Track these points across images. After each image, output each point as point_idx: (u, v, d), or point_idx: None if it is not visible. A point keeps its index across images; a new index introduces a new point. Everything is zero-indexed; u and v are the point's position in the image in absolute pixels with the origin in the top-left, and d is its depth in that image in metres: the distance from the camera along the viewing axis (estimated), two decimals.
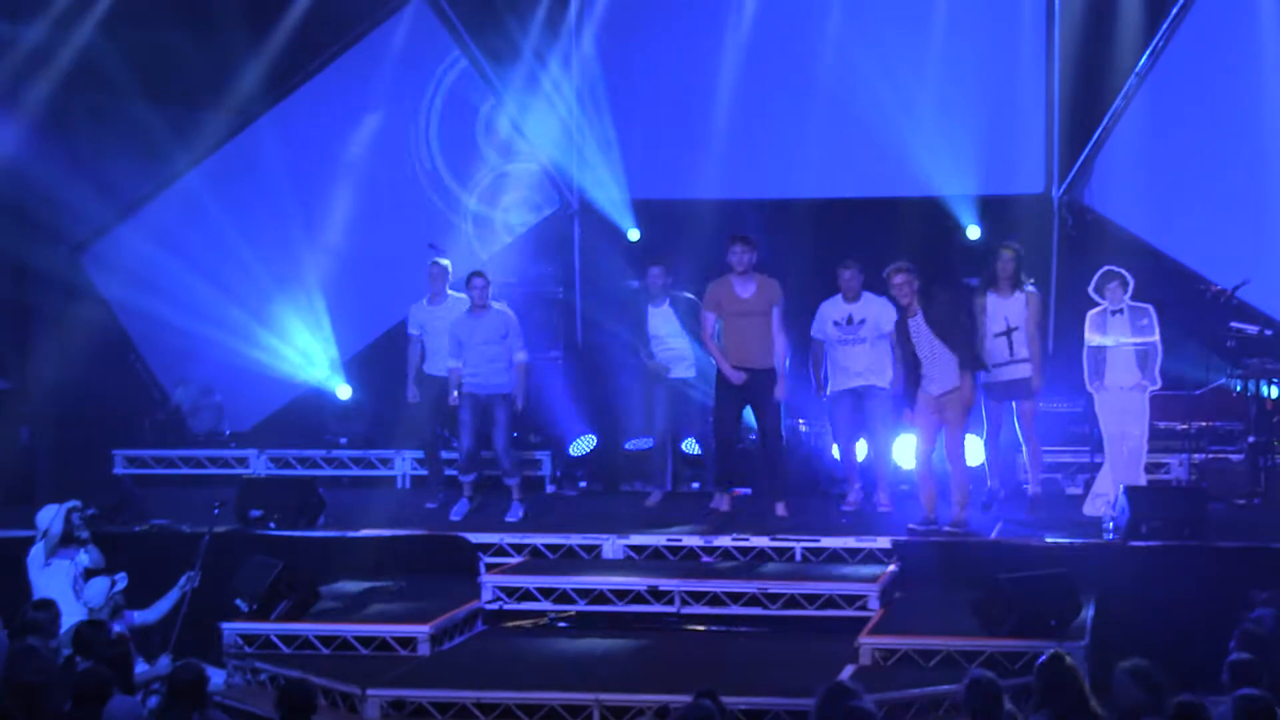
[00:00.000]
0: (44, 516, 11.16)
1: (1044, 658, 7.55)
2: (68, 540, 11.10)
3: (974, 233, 15.09)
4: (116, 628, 10.36)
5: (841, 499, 12.96)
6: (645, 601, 11.01)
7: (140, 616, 10.75)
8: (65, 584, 10.95)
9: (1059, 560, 10.81)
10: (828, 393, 12.90)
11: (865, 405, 12.71)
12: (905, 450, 12.90)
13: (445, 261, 13.43)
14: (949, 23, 15.19)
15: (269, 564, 10.87)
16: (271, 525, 12.30)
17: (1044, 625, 9.75)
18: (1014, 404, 12.35)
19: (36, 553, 11.07)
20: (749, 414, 12.69)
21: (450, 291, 13.26)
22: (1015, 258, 12.35)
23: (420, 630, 10.44)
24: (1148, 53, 14.99)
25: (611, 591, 11.08)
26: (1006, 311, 12.27)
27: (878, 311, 12.55)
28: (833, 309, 12.78)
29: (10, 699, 7.77)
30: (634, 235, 15.73)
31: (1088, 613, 10.18)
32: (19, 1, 14.97)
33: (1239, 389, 13.42)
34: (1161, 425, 13.12)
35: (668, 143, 15.77)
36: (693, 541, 11.78)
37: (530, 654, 10.39)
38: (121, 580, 10.63)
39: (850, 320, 12.67)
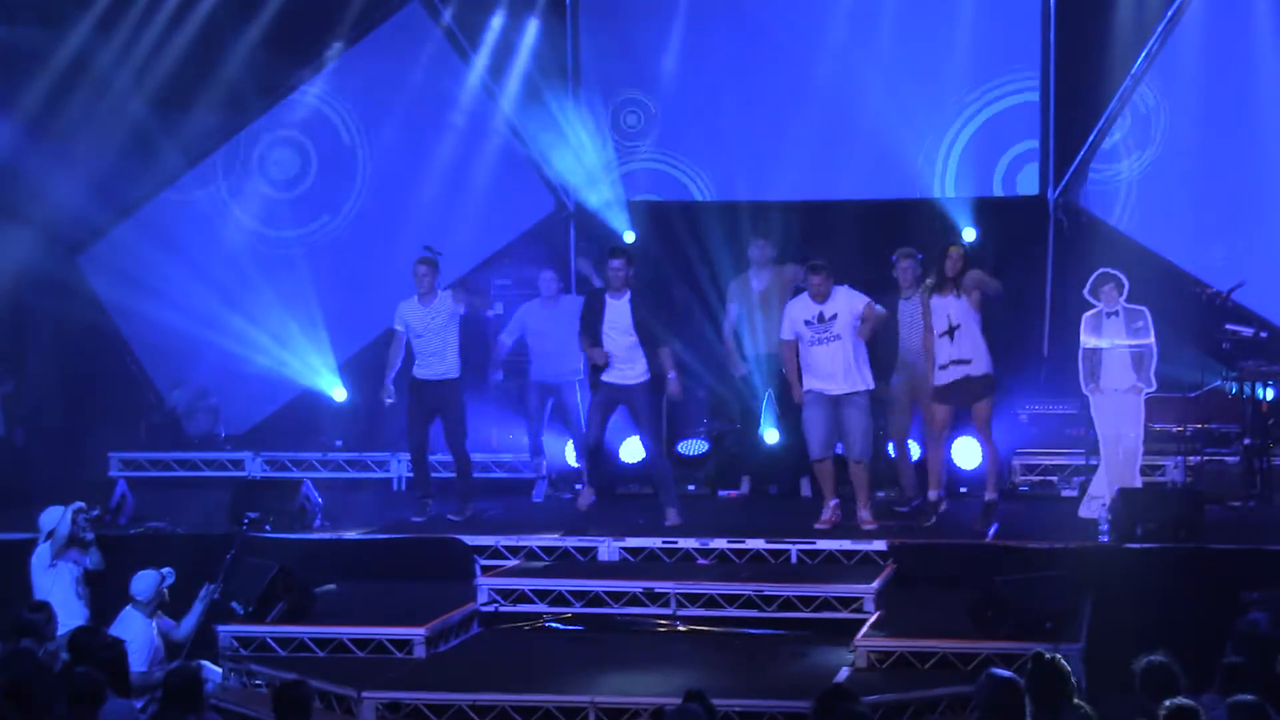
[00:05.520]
0: (48, 518, 11.17)
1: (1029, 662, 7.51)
2: (73, 541, 11.11)
3: (970, 235, 15.08)
4: (156, 625, 10.31)
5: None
6: (641, 603, 11.00)
7: (176, 632, 10.61)
8: (68, 586, 10.96)
9: (1055, 562, 10.81)
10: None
11: (841, 414, 12.11)
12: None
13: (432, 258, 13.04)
14: (946, 24, 15.19)
15: (264, 566, 10.87)
16: (267, 528, 12.30)
17: (1040, 628, 9.74)
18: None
19: (41, 554, 11.10)
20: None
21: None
22: (962, 256, 12.05)
23: (416, 633, 10.43)
24: (1143, 55, 14.99)
25: (607, 594, 11.07)
26: (949, 309, 11.86)
27: (847, 305, 12.06)
28: (801, 308, 12.23)
29: (5, 701, 7.75)
30: (630, 237, 15.71)
31: (1084, 615, 10.18)
32: (17, 3, 14.98)
33: (1234, 391, 13.41)
34: (1157, 427, 13.09)
35: (664, 143, 15.77)
36: (688, 544, 11.78)
37: (526, 656, 10.38)
38: (169, 575, 10.54)
39: (821, 318, 12.09)
